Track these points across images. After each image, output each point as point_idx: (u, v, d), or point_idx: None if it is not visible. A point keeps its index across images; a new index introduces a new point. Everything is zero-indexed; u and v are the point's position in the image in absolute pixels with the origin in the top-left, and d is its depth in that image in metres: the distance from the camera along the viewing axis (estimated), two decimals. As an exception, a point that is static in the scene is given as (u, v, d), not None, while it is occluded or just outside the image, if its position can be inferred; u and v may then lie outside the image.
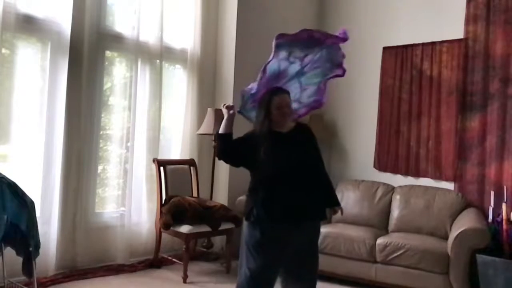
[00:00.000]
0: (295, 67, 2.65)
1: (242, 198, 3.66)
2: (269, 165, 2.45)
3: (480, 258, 3.62)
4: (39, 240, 3.10)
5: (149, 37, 4.46)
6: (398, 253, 3.91)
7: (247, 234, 2.52)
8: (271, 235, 2.46)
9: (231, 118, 2.61)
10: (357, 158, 5.33)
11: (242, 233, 2.60)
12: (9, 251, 3.03)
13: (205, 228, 4.14)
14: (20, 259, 3.04)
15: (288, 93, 2.60)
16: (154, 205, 4.40)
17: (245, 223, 2.56)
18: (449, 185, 4.61)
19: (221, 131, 2.60)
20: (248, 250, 2.49)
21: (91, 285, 3.76)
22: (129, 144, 4.36)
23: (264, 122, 2.52)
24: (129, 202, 4.32)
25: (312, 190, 2.53)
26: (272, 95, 2.54)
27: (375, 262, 4.03)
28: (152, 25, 4.48)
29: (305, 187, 2.50)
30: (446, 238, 4.07)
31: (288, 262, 2.54)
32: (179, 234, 4.11)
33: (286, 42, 2.50)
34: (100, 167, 4.33)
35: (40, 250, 3.12)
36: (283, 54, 2.54)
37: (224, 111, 2.63)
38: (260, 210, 2.46)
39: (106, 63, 4.37)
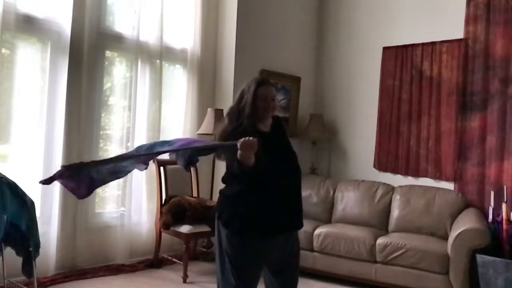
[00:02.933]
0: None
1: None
2: (257, 171, 2.16)
3: (480, 258, 3.61)
4: (39, 240, 3.10)
5: (149, 37, 4.46)
6: (398, 253, 3.91)
7: (226, 243, 2.28)
8: (254, 246, 2.26)
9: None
10: (357, 158, 5.33)
11: (217, 235, 2.34)
12: (9, 251, 3.02)
13: (205, 228, 4.14)
14: (20, 259, 3.03)
15: (273, 85, 2.40)
16: (154, 205, 4.40)
17: (222, 228, 2.31)
18: (449, 185, 4.61)
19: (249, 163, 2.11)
20: (229, 262, 2.27)
21: (91, 285, 3.76)
22: (129, 144, 4.36)
23: (250, 116, 2.27)
24: (129, 202, 4.32)
25: (297, 198, 2.37)
26: (257, 85, 2.31)
27: (375, 262, 4.03)
28: (152, 25, 4.48)
29: (291, 196, 2.34)
30: (446, 238, 4.07)
31: (271, 266, 2.38)
32: (179, 234, 4.11)
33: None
34: (100, 167, 4.32)
35: (40, 250, 3.12)
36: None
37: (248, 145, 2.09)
38: (245, 221, 2.24)
39: (106, 63, 4.37)
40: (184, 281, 3.99)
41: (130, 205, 4.33)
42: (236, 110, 2.33)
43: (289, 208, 2.34)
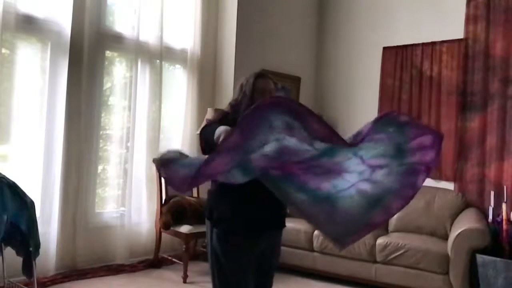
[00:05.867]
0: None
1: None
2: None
3: (480, 258, 3.61)
4: (39, 240, 3.10)
5: (149, 37, 4.46)
6: (398, 253, 3.91)
7: (216, 242, 2.23)
8: (244, 245, 2.20)
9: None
10: (357, 158, 5.32)
11: (209, 235, 2.29)
12: (9, 251, 3.03)
13: (205, 228, 4.13)
14: (20, 259, 3.04)
15: (272, 79, 2.34)
16: (154, 205, 4.40)
17: (212, 228, 2.25)
18: (449, 185, 4.61)
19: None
20: (220, 261, 2.21)
21: (91, 285, 3.76)
22: (129, 144, 4.36)
23: (248, 108, 2.10)
24: (129, 202, 4.32)
25: None
26: (256, 78, 2.26)
27: (375, 262, 4.03)
28: (152, 25, 4.48)
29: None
30: (446, 238, 4.07)
31: (257, 265, 2.32)
32: (179, 234, 4.11)
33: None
34: (100, 167, 4.32)
35: (40, 250, 3.12)
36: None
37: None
38: (235, 219, 2.19)
39: (106, 63, 4.37)
40: (184, 281, 3.99)
41: (130, 205, 4.32)
42: (240, 102, 2.31)
43: (279, 205, 2.29)
